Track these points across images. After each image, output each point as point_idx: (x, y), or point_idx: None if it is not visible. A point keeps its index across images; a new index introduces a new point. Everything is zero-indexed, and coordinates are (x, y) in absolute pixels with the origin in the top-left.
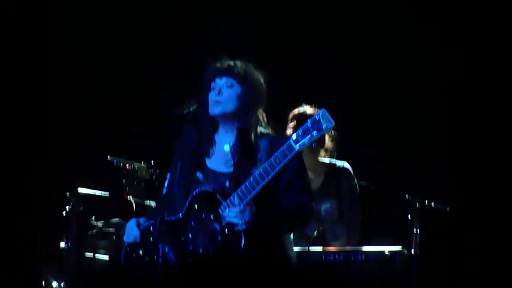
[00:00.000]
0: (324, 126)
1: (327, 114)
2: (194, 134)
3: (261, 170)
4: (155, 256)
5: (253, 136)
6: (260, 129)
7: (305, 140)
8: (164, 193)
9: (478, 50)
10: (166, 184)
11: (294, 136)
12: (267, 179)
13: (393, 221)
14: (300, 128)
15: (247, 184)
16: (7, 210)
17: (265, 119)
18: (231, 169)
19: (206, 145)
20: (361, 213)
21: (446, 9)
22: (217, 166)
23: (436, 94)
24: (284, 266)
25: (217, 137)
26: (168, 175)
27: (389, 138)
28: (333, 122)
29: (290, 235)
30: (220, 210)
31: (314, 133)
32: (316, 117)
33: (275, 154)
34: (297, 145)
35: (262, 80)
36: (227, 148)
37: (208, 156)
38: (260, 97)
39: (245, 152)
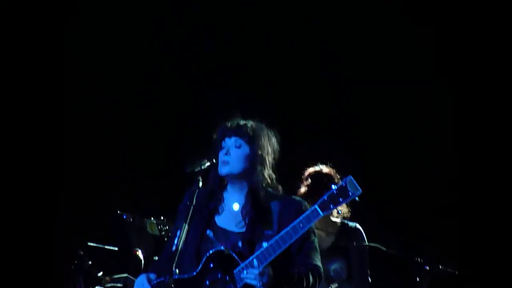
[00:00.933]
0: (350, 193)
1: (354, 181)
2: (202, 192)
3: (284, 234)
4: None
5: (262, 197)
6: (269, 189)
7: (331, 206)
8: (174, 250)
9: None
10: (176, 241)
11: (319, 202)
12: (288, 243)
13: (402, 283)
14: (326, 194)
15: (268, 247)
16: (17, 263)
17: (274, 179)
18: (243, 230)
19: (215, 203)
20: (370, 275)
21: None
22: (227, 225)
23: (448, 156)
24: None
25: (226, 195)
26: (178, 232)
27: (401, 201)
28: (360, 190)
29: None
30: (237, 271)
31: (340, 199)
32: (343, 183)
33: (299, 219)
34: (324, 211)
35: (273, 140)
36: (236, 207)
37: (218, 214)
38: (269, 157)
39: (256, 214)
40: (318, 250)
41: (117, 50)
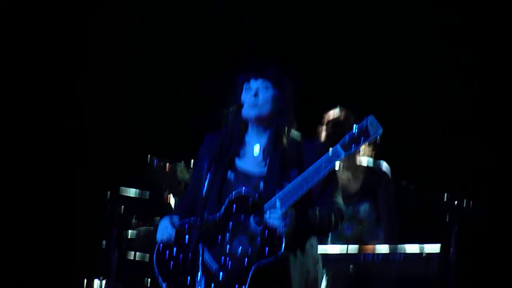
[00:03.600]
0: (372, 133)
1: (375, 120)
2: (221, 135)
3: (306, 175)
4: (189, 255)
5: (285, 140)
6: (292, 133)
7: (353, 145)
8: (204, 194)
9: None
10: (206, 185)
11: (340, 142)
12: (311, 184)
13: (432, 221)
14: (347, 134)
15: (290, 188)
16: (51, 210)
17: (295, 123)
18: (263, 171)
19: (237, 146)
20: (398, 214)
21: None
22: (248, 167)
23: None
24: (317, 265)
25: (247, 138)
26: (208, 176)
27: (429, 137)
28: (381, 129)
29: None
30: (260, 212)
31: (362, 139)
32: (364, 123)
33: (321, 159)
34: (345, 151)
35: (294, 84)
36: (257, 149)
37: (239, 157)
38: (292, 101)
39: (278, 155)
40: (340, 191)
41: None
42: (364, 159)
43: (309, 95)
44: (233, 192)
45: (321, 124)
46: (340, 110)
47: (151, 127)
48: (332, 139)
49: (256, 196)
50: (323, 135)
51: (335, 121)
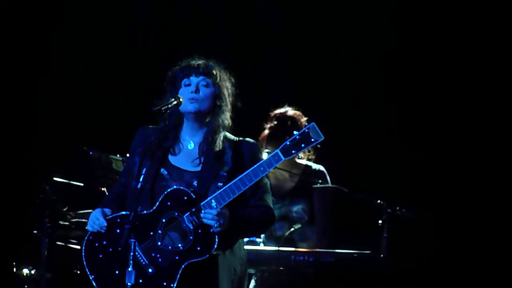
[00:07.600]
0: (313, 140)
1: (317, 128)
2: (155, 130)
3: (243, 177)
4: (119, 248)
5: (220, 138)
6: (226, 133)
7: (293, 151)
8: (139, 187)
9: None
10: (141, 179)
11: (281, 147)
12: (248, 185)
13: (363, 225)
14: (288, 140)
15: (227, 188)
16: None
17: (230, 123)
18: (197, 168)
19: (171, 142)
20: (332, 217)
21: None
22: (181, 164)
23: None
24: (243, 265)
25: (182, 135)
26: (144, 170)
27: (364, 145)
28: (323, 137)
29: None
30: (195, 210)
31: (302, 145)
32: (306, 130)
33: (260, 162)
34: (285, 156)
35: (232, 83)
36: (191, 146)
37: (173, 153)
38: (231, 100)
39: (212, 153)
40: (270, 192)
41: None
42: (302, 161)
43: (248, 96)
44: (169, 189)
45: (266, 121)
46: (287, 108)
47: (89, 119)
48: (274, 136)
49: (192, 193)
50: (266, 131)
51: (280, 118)
